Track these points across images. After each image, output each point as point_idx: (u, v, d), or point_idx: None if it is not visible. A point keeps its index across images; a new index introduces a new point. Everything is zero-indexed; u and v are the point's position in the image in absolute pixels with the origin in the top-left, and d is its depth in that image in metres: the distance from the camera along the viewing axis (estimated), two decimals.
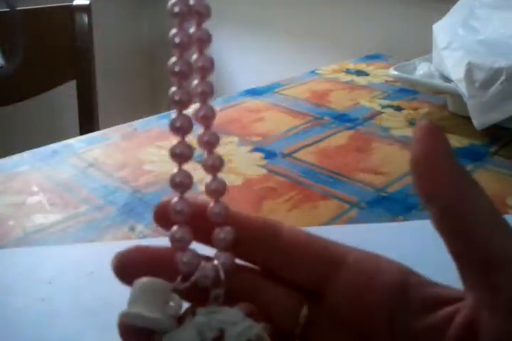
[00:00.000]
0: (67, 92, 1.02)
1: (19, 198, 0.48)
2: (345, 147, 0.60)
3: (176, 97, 0.19)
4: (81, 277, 0.38)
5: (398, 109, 0.72)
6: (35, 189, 0.50)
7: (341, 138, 0.63)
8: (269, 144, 0.61)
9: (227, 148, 0.59)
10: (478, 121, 0.59)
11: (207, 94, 0.19)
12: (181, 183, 0.19)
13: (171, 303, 0.18)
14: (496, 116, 0.58)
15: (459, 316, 0.17)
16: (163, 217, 0.19)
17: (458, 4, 0.72)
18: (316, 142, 0.61)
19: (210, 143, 0.20)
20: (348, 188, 0.51)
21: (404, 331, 0.17)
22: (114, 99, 1.39)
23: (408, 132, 0.64)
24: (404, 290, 0.18)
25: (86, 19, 0.94)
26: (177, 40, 0.19)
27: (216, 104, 0.74)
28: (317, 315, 0.19)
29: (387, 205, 0.48)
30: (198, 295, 0.19)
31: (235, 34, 1.38)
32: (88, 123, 0.99)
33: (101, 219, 0.45)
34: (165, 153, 0.57)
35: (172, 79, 0.19)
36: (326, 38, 1.17)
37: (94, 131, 0.66)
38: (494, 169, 0.55)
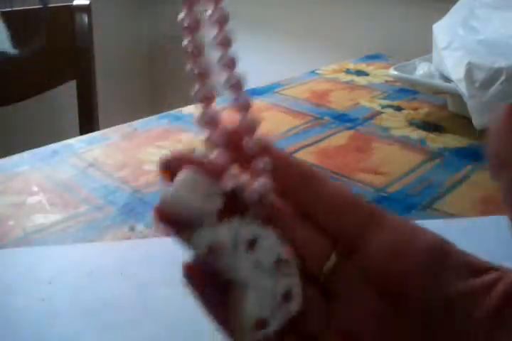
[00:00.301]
0: (67, 92, 1.02)
1: (19, 198, 0.48)
2: (345, 147, 0.60)
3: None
4: (81, 277, 0.38)
5: (398, 109, 0.72)
6: (35, 189, 0.50)
7: (341, 138, 0.63)
8: None
9: None
10: (478, 121, 0.59)
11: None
12: (205, 97, 0.18)
13: (212, 200, 0.17)
14: None
15: (502, 284, 0.17)
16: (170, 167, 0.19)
17: (458, 4, 0.72)
18: (316, 142, 0.61)
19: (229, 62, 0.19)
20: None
21: (438, 295, 0.17)
22: (114, 99, 1.39)
23: (408, 132, 0.64)
24: (440, 255, 0.18)
25: (86, 19, 0.94)
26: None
27: (216, 104, 0.74)
28: (345, 268, 0.19)
29: (387, 205, 0.48)
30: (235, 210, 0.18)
31: (235, 34, 1.38)
32: (88, 123, 0.99)
33: (101, 219, 0.45)
34: (165, 153, 0.57)
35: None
36: (326, 38, 1.17)
37: (94, 131, 0.66)
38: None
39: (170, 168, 0.18)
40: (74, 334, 0.33)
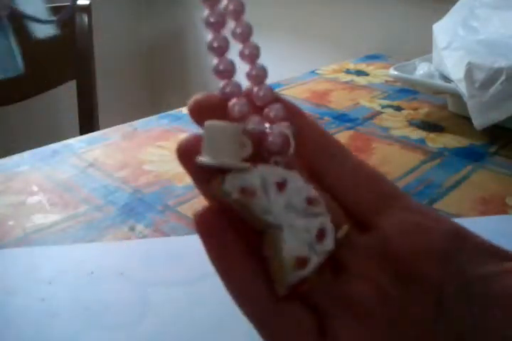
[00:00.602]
0: (67, 92, 1.03)
1: (19, 198, 0.48)
2: None
3: None
4: (81, 277, 0.38)
5: (398, 109, 0.72)
6: (35, 189, 0.50)
7: (341, 138, 0.63)
8: None
9: None
10: (478, 121, 0.59)
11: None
12: (220, 47, 0.19)
13: (242, 146, 0.18)
14: (495, 116, 0.58)
15: None
16: (199, 110, 0.19)
17: (458, 4, 0.72)
18: None
19: (243, 33, 0.19)
20: None
21: (454, 277, 0.17)
22: (114, 99, 1.39)
23: (408, 132, 0.64)
24: (458, 239, 0.18)
25: (86, 19, 0.94)
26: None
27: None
28: (357, 243, 0.19)
29: None
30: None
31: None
32: (88, 123, 0.99)
33: (101, 219, 0.45)
34: (165, 153, 0.57)
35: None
36: (326, 38, 1.17)
37: (94, 131, 0.66)
38: (494, 169, 0.55)
39: (199, 113, 0.19)
40: (74, 334, 0.33)
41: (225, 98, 0.19)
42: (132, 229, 0.43)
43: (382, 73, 0.88)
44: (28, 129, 1.36)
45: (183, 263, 0.38)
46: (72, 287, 0.37)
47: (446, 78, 0.66)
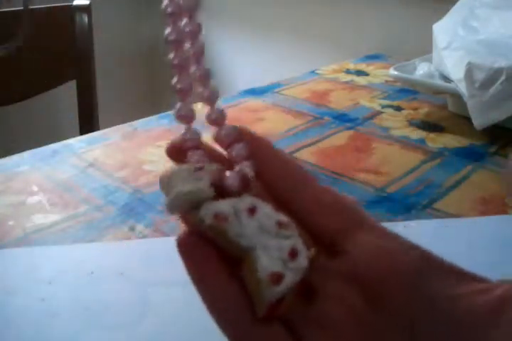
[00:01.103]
0: (67, 92, 1.02)
1: (19, 198, 0.48)
2: (345, 147, 0.60)
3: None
4: (81, 277, 0.38)
5: (398, 109, 0.72)
6: (35, 189, 0.50)
7: (341, 138, 0.63)
8: None
9: None
10: (478, 121, 0.59)
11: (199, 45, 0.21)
12: (186, 116, 0.20)
13: (198, 180, 0.19)
14: (495, 116, 0.58)
15: (500, 289, 0.17)
16: (176, 152, 0.21)
17: (458, 4, 0.72)
18: (316, 142, 0.61)
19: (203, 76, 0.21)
20: (348, 188, 0.51)
21: (423, 298, 0.18)
22: (114, 99, 1.39)
23: (408, 132, 0.64)
24: (425, 260, 0.19)
25: (86, 19, 0.94)
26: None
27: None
28: (326, 267, 0.20)
29: (387, 205, 0.48)
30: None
31: (236, 34, 1.38)
32: (88, 123, 0.99)
33: (101, 219, 0.45)
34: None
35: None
36: (326, 38, 1.17)
37: (94, 131, 0.66)
38: (494, 169, 0.55)
39: (174, 154, 0.21)
40: (74, 334, 0.33)
41: (184, 147, 0.21)
42: (132, 229, 0.43)
43: (382, 73, 0.88)
44: (28, 129, 1.36)
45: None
46: (72, 287, 0.37)
47: (446, 78, 0.66)
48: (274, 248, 0.18)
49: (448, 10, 0.73)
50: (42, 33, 0.93)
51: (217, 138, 0.21)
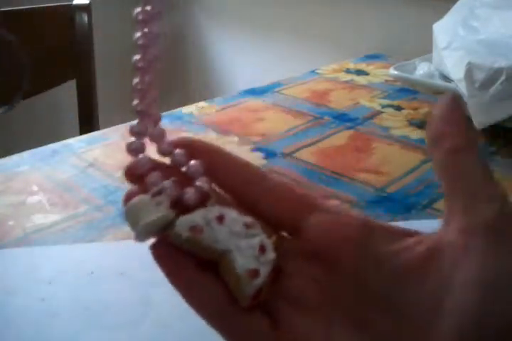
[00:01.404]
0: (67, 92, 1.02)
1: (19, 198, 0.48)
2: (345, 147, 0.60)
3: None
4: (81, 277, 0.38)
5: (398, 108, 0.72)
6: (35, 189, 0.50)
7: (341, 138, 0.63)
8: (269, 144, 0.61)
9: (227, 147, 0.59)
10: (478, 121, 0.59)
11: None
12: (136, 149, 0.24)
13: (158, 205, 0.21)
14: (495, 116, 0.58)
15: (425, 242, 0.20)
16: (135, 177, 0.23)
17: (458, 4, 0.72)
18: (316, 142, 0.61)
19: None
20: (348, 188, 0.51)
21: (368, 259, 0.20)
22: (114, 99, 1.39)
23: (408, 132, 0.64)
24: (369, 226, 0.21)
25: (86, 19, 0.94)
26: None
27: (216, 103, 0.74)
28: (288, 248, 0.22)
29: (387, 205, 0.48)
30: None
31: (236, 34, 1.38)
32: (88, 123, 0.99)
33: (101, 219, 0.45)
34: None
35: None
36: (326, 37, 1.17)
37: (94, 131, 0.66)
38: (494, 169, 0.55)
39: (132, 177, 0.24)
40: (74, 334, 0.33)
41: (140, 172, 0.23)
42: None
43: (382, 73, 0.88)
44: (28, 129, 1.36)
45: None
46: (72, 287, 0.37)
47: (446, 78, 0.66)
48: (246, 247, 0.21)
49: (448, 10, 0.72)
50: (42, 33, 0.93)
51: (171, 161, 0.23)
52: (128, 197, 0.22)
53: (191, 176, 0.22)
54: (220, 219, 0.21)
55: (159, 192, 0.21)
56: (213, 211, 0.21)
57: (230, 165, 0.23)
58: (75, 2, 0.94)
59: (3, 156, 0.56)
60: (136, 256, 0.40)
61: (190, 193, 0.21)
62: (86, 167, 0.54)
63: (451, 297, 0.18)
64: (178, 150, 0.23)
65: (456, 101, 0.21)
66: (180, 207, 0.21)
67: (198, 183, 0.21)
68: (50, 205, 0.47)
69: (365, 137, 0.63)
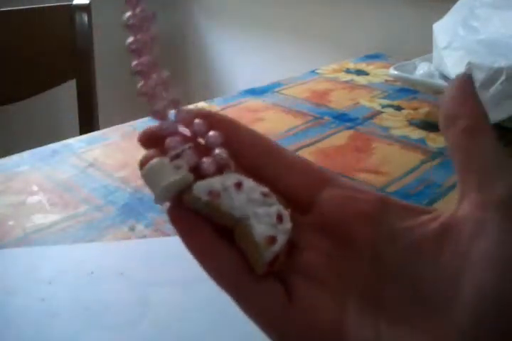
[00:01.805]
0: (67, 92, 1.02)
1: (19, 198, 0.48)
2: (345, 147, 0.60)
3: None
4: (81, 277, 0.38)
5: (398, 108, 0.72)
6: (35, 189, 0.50)
7: (341, 137, 0.63)
8: None
9: None
10: None
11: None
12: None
13: (176, 168, 0.21)
14: (496, 116, 0.58)
15: (440, 218, 0.20)
16: (149, 140, 0.22)
17: (458, 4, 0.72)
18: (316, 142, 0.61)
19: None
20: None
21: (386, 232, 0.21)
22: (114, 99, 1.39)
23: (408, 132, 0.64)
24: (385, 202, 0.21)
25: (86, 19, 0.94)
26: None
27: (216, 103, 0.74)
28: (302, 223, 0.22)
29: None
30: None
31: (236, 34, 1.38)
32: (88, 123, 0.99)
33: (101, 219, 0.45)
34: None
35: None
36: (326, 38, 1.17)
37: (94, 131, 0.66)
38: None
39: (147, 143, 0.22)
40: (74, 334, 0.33)
41: (162, 134, 0.22)
42: (132, 229, 0.43)
43: (382, 73, 0.88)
44: (28, 129, 1.36)
45: (183, 263, 0.38)
46: (72, 287, 0.37)
47: (446, 78, 0.66)
48: (264, 215, 0.21)
49: (448, 9, 0.72)
50: (42, 33, 0.93)
51: (190, 131, 0.22)
52: (145, 161, 0.21)
53: (210, 146, 0.22)
54: (238, 185, 0.21)
55: (177, 156, 0.21)
56: (231, 178, 0.21)
57: (248, 138, 0.23)
58: (75, 2, 0.95)
59: (3, 156, 0.56)
60: (136, 256, 0.41)
61: (207, 162, 0.21)
62: (86, 167, 0.54)
63: (469, 273, 0.17)
64: (197, 120, 0.22)
65: (469, 81, 0.21)
66: (198, 176, 0.21)
67: (216, 152, 0.21)
68: (50, 205, 0.47)
69: (365, 137, 0.63)
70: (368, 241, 0.21)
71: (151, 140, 0.22)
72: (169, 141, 0.21)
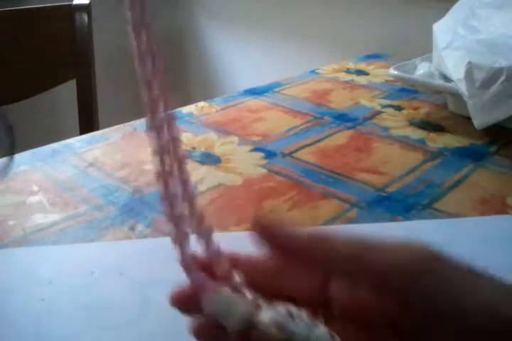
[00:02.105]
0: (67, 92, 1.02)
1: (19, 198, 0.48)
2: (345, 147, 0.60)
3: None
4: (81, 277, 0.38)
5: (398, 108, 0.72)
6: (35, 189, 0.50)
7: (341, 137, 0.63)
8: (269, 144, 0.61)
9: (227, 147, 0.59)
10: (478, 121, 0.59)
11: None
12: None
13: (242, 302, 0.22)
14: (496, 116, 0.58)
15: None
16: (181, 302, 0.24)
17: (458, 4, 0.72)
18: (316, 142, 0.61)
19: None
20: (348, 188, 0.51)
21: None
22: (114, 99, 1.39)
23: (408, 132, 0.64)
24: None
25: (86, 19, 0.94)
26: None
27: (216, 103, 0.74)
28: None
29: (387, 205, 0.48)
30: None
31: (236, 34, 1.38)
32: (88, 123, 0.99)
33: (101, 219, 0.45)
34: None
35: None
36: (326, 38, 1.17)
37: (94, 131, 0.66)
38: (494, 169, 0.55)
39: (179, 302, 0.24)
40: (74, 334, 0.33)
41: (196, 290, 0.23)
42: (132, 229, 0.43)
43: (383, 73, 0.88)
44: (28, 129, 1.35)
45: None
46: (72, 287, 0.37)
47: (446, 78, 0.66)
48: (322, 336, 0.21)
49: (448, 9, 0.72)
50: (42, 33, 0.93)
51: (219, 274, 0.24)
52: (179, 295, 0.24)
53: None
54: (291, 314, 0.21)
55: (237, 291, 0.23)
56: (280, 308, 0.22)
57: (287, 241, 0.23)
58: (75, 2, 0.94)
59: (3, 156, 0.56)
60: (136, 256, 0.41)
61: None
62: (86, 167, 0.54)
63: None
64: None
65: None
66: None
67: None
68: (50, 205, 0.47)
69: (365, 137, 0.63)
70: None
71: (185, 300, 0.24)
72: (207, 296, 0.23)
